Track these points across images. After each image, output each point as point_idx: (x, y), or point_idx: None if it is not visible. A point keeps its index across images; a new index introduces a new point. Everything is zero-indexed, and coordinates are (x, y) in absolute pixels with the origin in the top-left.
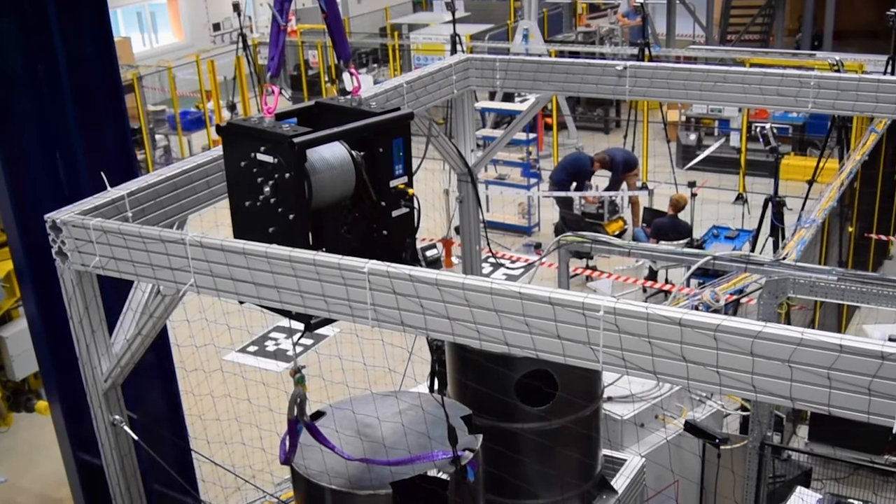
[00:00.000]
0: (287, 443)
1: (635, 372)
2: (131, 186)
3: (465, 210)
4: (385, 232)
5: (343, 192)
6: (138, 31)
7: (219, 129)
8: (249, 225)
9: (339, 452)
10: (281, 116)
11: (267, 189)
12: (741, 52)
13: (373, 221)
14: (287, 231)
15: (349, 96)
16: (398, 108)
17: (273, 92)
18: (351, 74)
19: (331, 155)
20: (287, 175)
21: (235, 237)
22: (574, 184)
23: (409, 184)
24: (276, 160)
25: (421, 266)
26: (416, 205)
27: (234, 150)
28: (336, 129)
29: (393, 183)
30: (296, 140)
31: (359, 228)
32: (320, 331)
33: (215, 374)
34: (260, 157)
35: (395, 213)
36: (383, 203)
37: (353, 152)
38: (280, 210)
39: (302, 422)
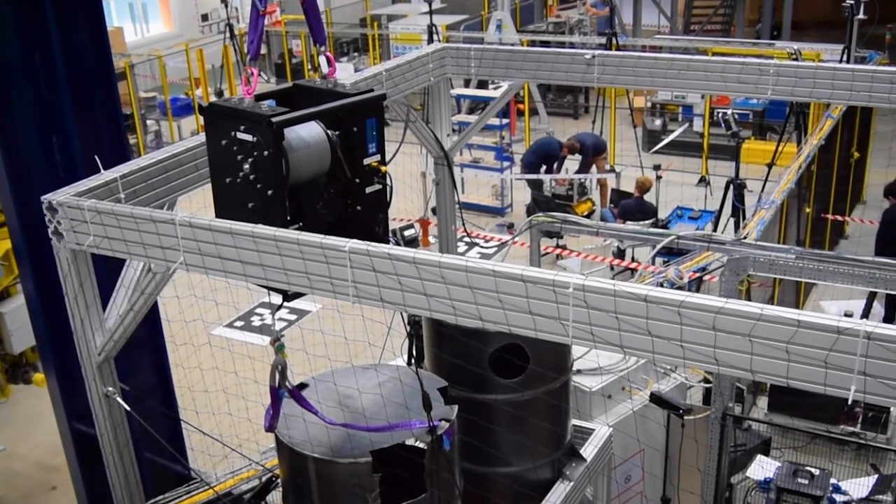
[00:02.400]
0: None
1: (603, 346)
2: (124, 169)
3: (442, 192)
4: (359, 207)
5: (319, 170)
6: (130, 21)
7: (201, 110)
8: (230, 201)
9: (321, 417)
10: (260, 98)
11: (246, 166)
12: (704, 42)
13: (347, 197)
14: (266, 207)
15: (325, 78)
16: (371, 90)
17: (252, 74)
18: (327, 58)
19: (307, 134)
20: (266, 153)
21: (216, 213)
22: (544, 167)
23: (382, 161)
24: (255, 139)
25: (396, 242)
26: (388, 181)
27: (216, 130)
28: (312, 110)
29: (366, 161)
30: (274, 119)
31: (334, 204)
32: (303, 306)
33: (203, 347)
34: (240, 135)
35: (368, 190)
36: (357, 180)
37: (328, 131)
38: (259, 186)
39: (284, 388)
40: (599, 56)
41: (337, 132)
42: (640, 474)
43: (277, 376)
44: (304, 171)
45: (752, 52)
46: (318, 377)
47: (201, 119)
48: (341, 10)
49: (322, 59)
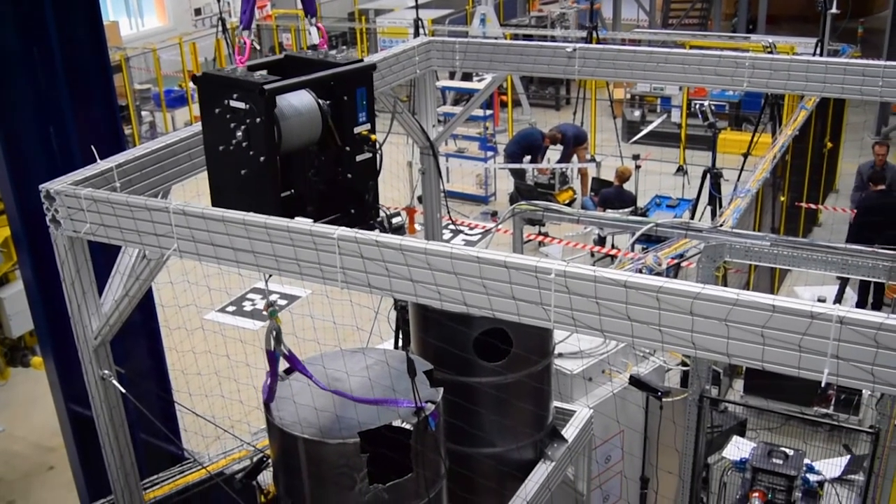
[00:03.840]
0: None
1: (584, 330)
2: (119, 159)
3: (427, 181)
4: (350, 175)
5: (310, 138)
6: (125, 15)
7: (195, 79)
8: (223, 168)
9: (315, 382)
10: (253, 69)
11: (239, 134)
12: (682, 35)
13: (338, 165)
14: (258, 173)
15: (316, 49)
16: (361, 60)
17: (245, 43)
18: (318, 29)
19: (299, 102)
20: (258, 120)
21: (210, 181)
22: (527, 157)
23: (372, 130)
24: (247, 106)
25: (383, 230)
26: (378, 149)
27: (209, 98)
28: (304, 78)
29: (357, 129)
30: (266, 87)
31: (325, 172)
32: (293, 292)
33: (196, 332)
34: (233, 103)
35: (358, 158)
36: (348, 148)
37: (319, 100)
38: (251, 153)
39: (279, 351)
40: (580, 49)
41: (328, 101)
42: (619, 454)
43: (273, 341)
44: (295, 138)
45: (729, 45)
46: (308, 360)
47: (195, 110)
48: (330, 5)
49: (313, 30)
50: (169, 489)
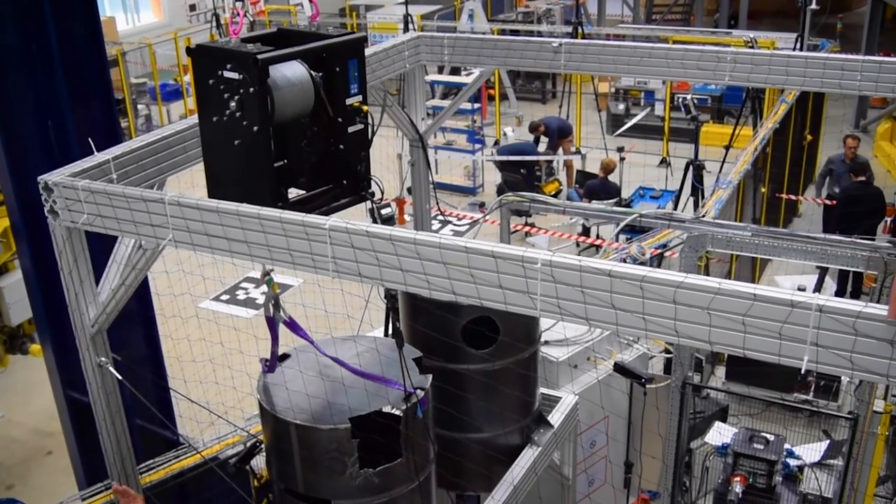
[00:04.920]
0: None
1: (570, 318)
2: (116, 151)
3: (417, 172)
4: (342, 146)
5: (303, 109)
6: (122, 11)
7: (189, 51)
8: (217, 139)
9: (316, 346)
10: (246, 41)
11: (233, 104)
12: (665, 30)
13: (330, 136)
14: (251, 142)
15: (308, 23)
16: (353, 32)
17: (238, 15)
18: (311, 2)
19: (291, 73)
20: (251, 90)
21: (204, 153)
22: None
23: (364, 101)
24: (241, 76)
25: (373, 220)
26: (370, 121)
27: (203, 70)
28: (296, 48)
29: (349, 101)
30: (259, 56)
31: (318, 143)
32: (285, 281)
33: (191, 320)
34: (226, 74)
35: (350, 129)
36: (340, 119)
37: (311, 72)
38: (245, 123)
39: (278, 318)
40: (566, 44)
41: (320, 73)
42: (604, 440)
43: (271, 308)
44: (288, 109)
45: (711, 40)
46: (300, 348)
47: (190, 103)
48: (322, 1)
49: (305, 3)
50: (164, 473)
